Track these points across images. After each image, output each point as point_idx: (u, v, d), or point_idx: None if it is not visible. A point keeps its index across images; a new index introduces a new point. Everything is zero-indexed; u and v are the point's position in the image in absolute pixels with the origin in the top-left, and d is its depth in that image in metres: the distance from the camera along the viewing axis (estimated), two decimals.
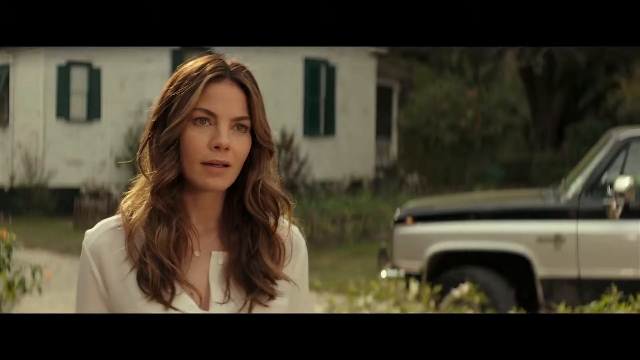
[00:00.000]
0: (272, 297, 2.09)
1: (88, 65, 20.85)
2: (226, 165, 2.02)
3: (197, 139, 2.01)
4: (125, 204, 2.10)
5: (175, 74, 2.09)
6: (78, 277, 2.10)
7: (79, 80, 20.88)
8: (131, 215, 2.06)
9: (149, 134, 2.08)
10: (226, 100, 2.04)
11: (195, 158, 2.01)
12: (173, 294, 2.01)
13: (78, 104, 20.98)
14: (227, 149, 2.01)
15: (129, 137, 20.74)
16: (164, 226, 2.03)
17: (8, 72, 21.12)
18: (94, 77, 21.02)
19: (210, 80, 2.03)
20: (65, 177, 20.66)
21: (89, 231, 2.11)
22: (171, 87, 2.07)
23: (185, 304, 2.03)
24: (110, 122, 21.09)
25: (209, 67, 2.04)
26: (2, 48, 20.83)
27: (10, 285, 6.98)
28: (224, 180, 2.03)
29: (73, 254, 14.44)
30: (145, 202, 2.06)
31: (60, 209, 20.06)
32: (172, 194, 2.05)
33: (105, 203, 18.70)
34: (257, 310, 2.08)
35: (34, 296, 7.50)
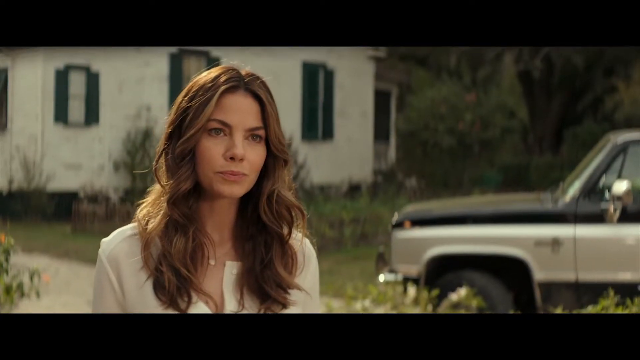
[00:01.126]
0: (284, 306, 2.11)
1: (86, 69, 20.84)
2: (242, 175, 2.04)
3: (212, 149, 2.02)
4: (141, 212, 2.11)
5: (190, 84, 2.10)
6: (95, 285, 2.11)
7: (77, 84, 20.86)
8: (147, 224, 2.07)
9: (165, 144, 2.09)
10: (241, 111, 2.05)
11: (210, 168, 2.03)
12: (189, 302, 2.02)
13: (76, 108, 20.97)
14: (242, 159, 2.02)
15: (127, 141, 20.73)
16: (180, 236, 2.04)
17: (6, 75, 21.10)
18: (92, 81, 21.00)
19: (225, 91, 2.04)
20: (63, 181, 20.64)
21: (105, 240, 2.11)
22: (186, 98, 2.08)
23: (201, 312, 2.04)
24: (108, 126, 21.07)
25: (223, 78, 2.05)
26: (0, 50, 20.82)
27: (8, 290, 6.97)
28: (240, 187, 2.04)
29: (71, 258, 14.43)
30: (161, 211, 2.07)
31: (58, 213, 20.04)
32: (188, 204, 2.06)
33: (103, 207, 18.67)
34: None
35: (32, 300, 7.50)
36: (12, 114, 21.09)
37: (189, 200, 2.06)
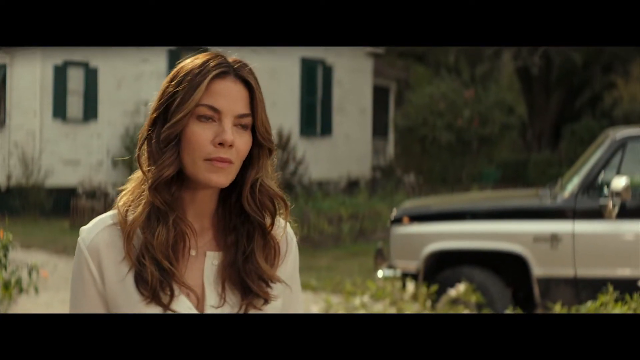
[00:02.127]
0: (266, 301, 2.09)
1: (85, 65, 20.83)
2: (229, 162, 2.01)
3: (201, 135, 2.00)
4: (121, 201, 2.08)
5: (176, 69, 2.07)
6: (73, 276, 2.07)
7: (75, 80, 20.85)
8: (126, 213, 2.04)
9: (148, 130, 2.07)
10: (230, 97, 2.02)
11: (198, 155, 2.00)
12: (172, 296, 2.00)
13: (75, 104, 20.96)
14: (231, 145, 2.00)
15: (125, 137, 20.73)
16: (162, 226, 2.01)
17: (5, 72, 21.09)
18: (91, 77, 21.00)
19: (215, 77, 2.02)
20: (61, 177, 20.63)
21: (85, 228, 2.08)
22: (172, 83, 2.05)
23: (183, 305, 2.02)
24: (106, 122, 21.07)
25: (212, 63, 2.03)
26: None
27: (6, 285, 6.97)
28: (226, 176, 2.02)
29: (70, 254, 14.42)
30: (143, 200, 2.04)
31: (56, 209, 20.03)
32: (170, 191, 2.03)
33: (101, 203, 18.66)
34: (252, 312, 2.08)
35: (31, 296, 7.50)
36: (10, 109, 21.08)
37: (172, 187, 2.03)
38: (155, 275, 1.99)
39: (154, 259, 2.00)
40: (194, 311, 2.03)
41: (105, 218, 2.07)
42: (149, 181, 2.03)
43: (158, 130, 2.04)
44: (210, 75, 2.01)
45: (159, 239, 2.00)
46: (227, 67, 2.04)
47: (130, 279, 2.01)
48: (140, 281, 2.00)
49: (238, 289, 2.07)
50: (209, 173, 2.01)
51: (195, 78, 2.01)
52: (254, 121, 2.06)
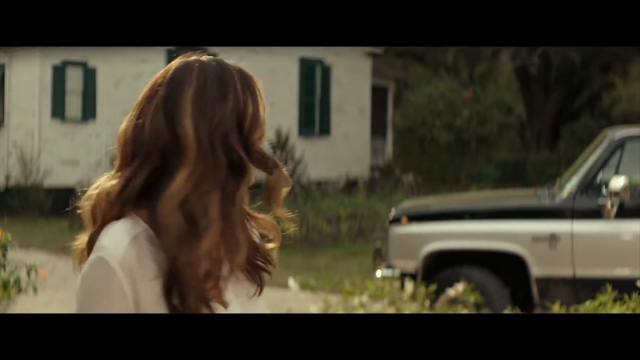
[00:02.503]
0: (262, 289, 2.09)
1: (83, 65, 20.83)
2: None
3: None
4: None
5: (224, 72, 2.01)
6: (95, 294, 1.88)
7: (74, 80, 20.85)
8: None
9: (229, 136, 2.00)
10: None
11: None
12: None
13: (73, 104, 20.96)
14: None
15: None
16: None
17: (3, 71, 21.08)
18: (90, 76, 20.99)
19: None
20: (60, 176, 20.63)
21: (108, 243, 1.89)
22: (238, 86, 2.00)
23: (242, 297, 2.04)
24: (105, 122, 21.06)
25: (242, 67, 2.03)
26: None
27: (5, 285, 6.96)
28: None
29: (68, 254, 14.35)
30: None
31: (55, 209, 20.01)
32: None
33: None
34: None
35: (30, 296, 7.49)
36: (9, 109, 21.08)
37: None
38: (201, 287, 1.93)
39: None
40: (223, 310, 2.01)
41: (126, 229, 1.91)
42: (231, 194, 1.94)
43: (241, 141, 1.96)
44: (258, 80, 2.04)
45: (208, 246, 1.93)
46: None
47: (160, 294, 1.90)
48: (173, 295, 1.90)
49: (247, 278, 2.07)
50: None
51: (250, 84, 2.01)
52: None
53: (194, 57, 2.02)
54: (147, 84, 2.08)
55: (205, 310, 1.91)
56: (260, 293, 2.09)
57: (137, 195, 1.93)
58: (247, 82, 2.00)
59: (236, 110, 1.96)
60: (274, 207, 2.04)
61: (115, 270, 1.84)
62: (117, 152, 2.01)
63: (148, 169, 1.93)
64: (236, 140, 1.94)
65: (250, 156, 1.96)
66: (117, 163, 2.00)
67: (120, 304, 1.85)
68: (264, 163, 1.98)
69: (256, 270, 2.09)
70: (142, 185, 1.93)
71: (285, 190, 2.02)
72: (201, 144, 1.90)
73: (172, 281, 1.86)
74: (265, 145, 2.02)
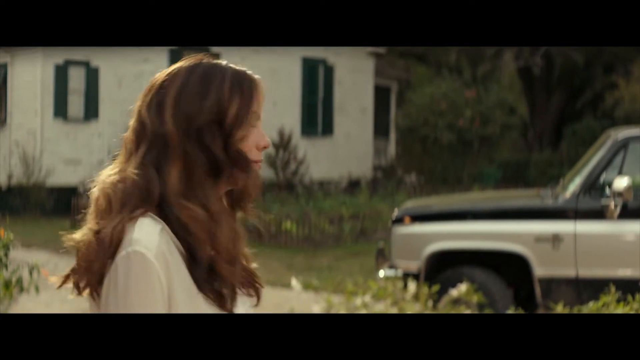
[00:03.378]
0: (259, 299, 2.13)
1: (86, 64, 20.83)
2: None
3: (251, 140, 2.03)
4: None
5: (206, 77, 2.04)
6: (139, 291, 1.88)
7: (76, 79, 20.86)
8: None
9: (206, 137, 2.04)
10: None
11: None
12: (234, 298, 2.01)
13: (75, 103, 20.97)
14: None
15: None
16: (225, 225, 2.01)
17: (6, 71, 21.09)
18: (92, 76, 21.00)
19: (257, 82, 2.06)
20: (62, 176, 20.64)
21: (140, 237, 1.90)
22: (226, 89, 2.03)
23: (241, 308, 2.05)
24: (107, 122, 21.07)
25: (241, 68, 2.05)
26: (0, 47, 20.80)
27: (7, 285, 6.97)
28: None
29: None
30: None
31: (57, 208, 20.03)
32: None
33: None
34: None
35: (31, 295, 7.49)
36: (11, 109, 21.09)
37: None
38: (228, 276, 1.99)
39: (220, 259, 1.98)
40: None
41: (151, 222, 1.94)
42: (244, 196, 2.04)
43: (218, 139, 1.99)
44: (259, 84, 2.04)
45: (225, 237, 1.99)
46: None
47: (193, 284, 1.95)
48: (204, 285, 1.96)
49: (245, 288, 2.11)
50: (256, 173, 2.04)
51: (247, 84, 2.02)
52: None
53: (197, 58, 2.04)
54: (148, 83, 2.11)
55: (234, 297, 1.98)
56: (257, 304, 2.14)
57: (145, 194, 1.97)
58: (239, 83, 2.01)
59: (216, 107, 1.98)
60: (242, 208, 2.08)
61: (153, 264, 1.87)
62: (122, 145, 2.10)
63: (150, 164, 1.99)
64: (212, 137, 1.97)
65: (228, 155, 1.97)
66: (122, 156, 2.11)
67: (159, 296, 1.88)
68: (240, 164, 2.00)
69: (251, 284, 2.13)
70: (146, 182, 1.98)
71: (253, 195, 2.05)
72: (179, 139, 1.95)
73: (210, 269, 1.94)
74: (249, 146, 2.02)
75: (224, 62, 2.04)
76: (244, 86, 2.01)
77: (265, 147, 2.02)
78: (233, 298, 1.98)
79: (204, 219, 1.94)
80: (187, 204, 1.94)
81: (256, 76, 2.05)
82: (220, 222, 1.96)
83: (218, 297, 1.95)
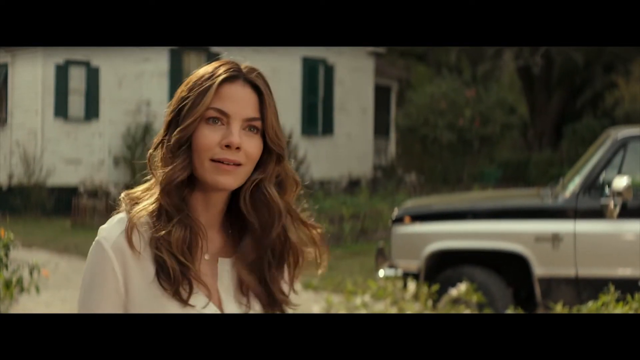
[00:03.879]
0: (284, 311, 2.12)
1: (86, 64, 20.83)
2: (237, 165, 2.03)
3: (209, 136, 2.02)
4: (128, 197, 2.10)
5: (190, 76, 2.10)
6: (90, 275, 2.04)
7: (77, 79, 20.86)
8: (134, 206, 2.07)
9: (164, 134, 2.09)
10: (239, 101, 2.05)
11: (205, 155, 2.02)
12: (190, 291, 2.02)
13: (76, 103, 20.97)
14: (238, 148, 2.02)
15: (127, 136, 20.72)
16: (177, 225, 2.03)
17: (6, 71, 21.10)
18: (92, 76, 21.00)
19: (224, 80, 2.05)
20: (63, 176, 20.64)
21: (105, 227, 2.06)
22: (185, 88, 2.08)
23: (202, 302, 2.04)
24: (108, 121, 21.07)
25: (222, 69, 2.06)
26: (0, 48, 20.80)
27: (8, 284, 6.98)
28: (234, 178, 2.04)
29: (71, 253, 14.42)
30: (154, 197, 2.06)
31: (58, 208, 20.04)
32: (181, 195, 2.05)
33: (103, 202, 18.67)
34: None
35: (32, 295, 7.50)
36: (12, 108, 21.09)
37: (183, 191, 2.05)
38: (176, 269, 2.00)
39: (171, 254, 2.01)
40: (216, 310, 2.05)
41: (122, 218, 2.06)
42: (161, 184, 2.05)
43: (170, 134, 2.06)
44: (219, 79, 2.04)
45: (175, 235, 2.02)
46: (236, 72, 2.07)
47: (151, 275, 2.02)
48: (162, 275, 2.01)
49: (259, 297, 2.11)
50: (216, 175, 2.03)
51: (205, 82, 2.05)
52: (264, 125, 2.08)
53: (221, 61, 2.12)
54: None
55: (190, 291, 2.02)
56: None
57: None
58: (208, 78, 2.06)
59: (178, 99, 2.07)
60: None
61: (107, 252, 2.02)
62: None
63: None
64: (172, 127, 2.07)
65: (174, 147, 2.06)
66: None
67: (110, 282, 2.02)
68: (180, 155, 2.06)
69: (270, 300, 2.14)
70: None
71: (219, 188, 2.09)
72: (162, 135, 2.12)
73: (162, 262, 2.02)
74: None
75: (215, 65, 2.08)
76: (208, 82, 2.05)
77: (227, 145, 2.01)
78: (189, 292, 2.01)
79: (160, 214, 2.05)
80: (151, 198, 2.08)
81: (223, 77, 2.05)
82: (172, 219, 2.03)
83: (173, 290, 2.00)
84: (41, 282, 7.33)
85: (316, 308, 7.33)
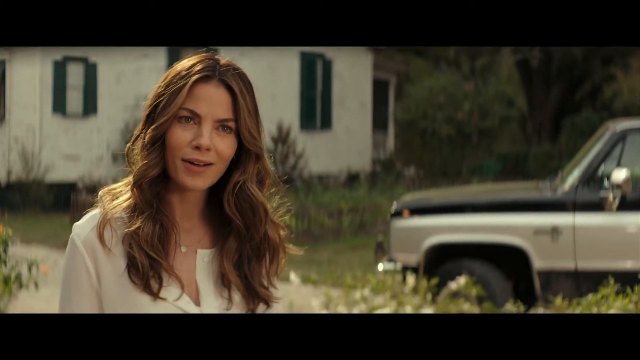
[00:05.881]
0: (269, 305, 2.12)
1: (84, 60, 20.83)
2: (207, 165, 2.03)
3: (180, 136, 2.03)
4: (106, 194, 2.13)
5: (169, 70, 2.10)
6: (66, 271, 2.09)
7: (75, 75, 20.86)
8: (110, 201, 2.10)
9: (141, 128, 2.10)
10: (211, 101, 2.04)
11: (176, 155, 2.03)
12: (160, 284, 2.03)
13: (74, 99, 20.97)
14: (208, 149, 2.02)
15: (125, 132, 20.71)
16: (147, 219, 2.04)
17: (4, 67, 21.08)
18: (90, 72, 20.99)
19: (197, 80, 2.04)
20: (61, 172, 20.64)
21: (78, 224, 2.12)
22: (162, 84, 2.08)
23: (174, 295, 2.04)
24: (106, 117, 21.07)
25: (197, 67, 2.05)
26: None
27: (6, 281, 6.97)
28: (203, 180, 2.04)
29: None
30: (128, 192, 2.09)
31: (56, 204, 20.04)
32: (154, 190, 2.06)
33: None
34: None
35: (31, 291, 7.50)
36: (10, 105, 21.07)
37: (157, 187, 2.07)
38: (145, 264, 2.02)
39: (141, 249, 2.03)
40: (191, 304, 2.06)
41: (96, 214, 2.10)
42: (134, 179, 2.07)
43: (146, 129, 2.08)
44: (192, 79, 2.04)
45: (144, 230, 2.03)
46: (210, 71, 2.06)
47: (122, 269, 2.04)
48: (132, 269, 2.03)
49: (240, 290, 2.10)
50: (185, 175, 2.03)
51: (180, 81, 2.05)
52: (237, 125, 2.07)
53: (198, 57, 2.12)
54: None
55: (159, 286, 2.04)
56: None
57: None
58: (183, 76, 2.06)
59: (155, 95, 2.08)
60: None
61: (79, 248, 2.07)
62: None
63: None
64: (148, 123, 2.08)
65: (142, 142, 2.08)
66: None
67: (83, 278, 2.06)
68: (138, 154, 2.09)
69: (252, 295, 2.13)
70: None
71: (188, 188, 2.10)
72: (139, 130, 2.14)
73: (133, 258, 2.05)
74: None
75: (193, 60, 2.08)
76: (181, 79, 2.05)
77: (197, 147, 2.01)
78: (159, 285, 2.03)
79: (135, 209, 2.08)
80: (127, 194, 2.12)
81: (196, 77, 2.04)
82: (142, 214, 2.06)
83: (143, 284, 2.03)
84: (40, 278, 7.32)
85: (315, 302, 7.33)
